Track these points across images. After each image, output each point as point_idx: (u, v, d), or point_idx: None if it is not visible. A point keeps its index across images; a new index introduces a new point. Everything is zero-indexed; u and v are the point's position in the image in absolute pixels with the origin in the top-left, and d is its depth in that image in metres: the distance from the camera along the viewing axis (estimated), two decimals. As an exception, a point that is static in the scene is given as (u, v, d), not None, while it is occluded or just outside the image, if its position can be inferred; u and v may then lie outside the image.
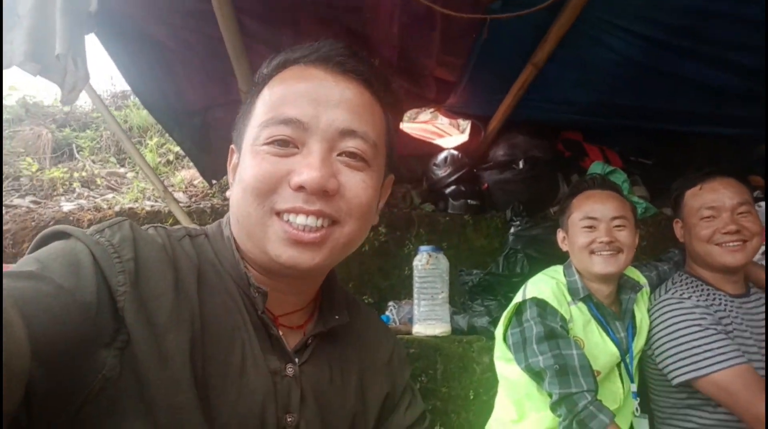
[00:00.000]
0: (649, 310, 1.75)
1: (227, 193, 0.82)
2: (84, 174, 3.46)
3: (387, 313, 2.45)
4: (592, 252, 1.64)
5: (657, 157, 3.33)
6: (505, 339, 1.66)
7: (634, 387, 1.66)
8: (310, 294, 0.85)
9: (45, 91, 4.82)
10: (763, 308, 1.70)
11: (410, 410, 0.93)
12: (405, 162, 3.33)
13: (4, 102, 4.81)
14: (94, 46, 2.45)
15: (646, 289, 1.81)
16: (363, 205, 0.76)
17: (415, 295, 2.21)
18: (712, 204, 1.70)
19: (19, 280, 0.56)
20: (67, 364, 0.55)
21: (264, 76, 0.80)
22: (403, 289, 2.73)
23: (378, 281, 2.80)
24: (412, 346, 2.15)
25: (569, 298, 1.66)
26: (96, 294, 0.60)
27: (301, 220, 0.71)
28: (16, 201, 2.87)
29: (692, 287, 1.72)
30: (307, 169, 0.70)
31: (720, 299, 1.69)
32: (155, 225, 0.76)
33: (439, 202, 3.06)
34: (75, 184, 3.29)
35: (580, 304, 1.66)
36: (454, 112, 3.19)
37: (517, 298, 1.68)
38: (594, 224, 1.65)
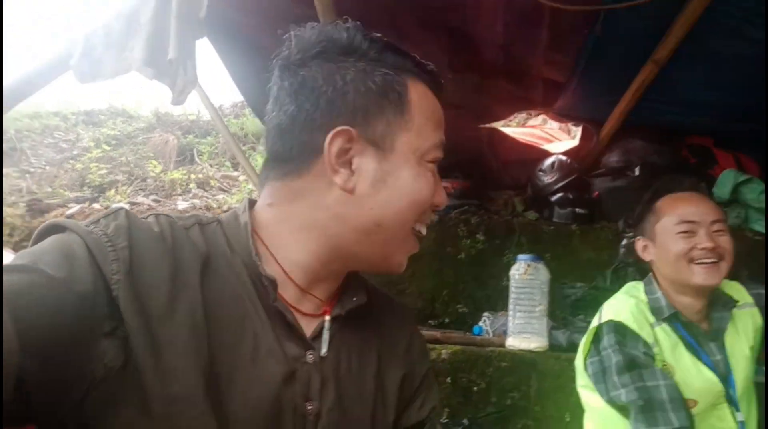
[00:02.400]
0: (762, 333, 1.50)
1: (337, 180, 0.73)
2: (200, 176, 3.73)
3: (480, 323, 2.34)
4: (691, 260, 1.43)
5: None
6: (585, 368, 1.50)
7: (740, 416, 1.42)
8: (339, 280, 0.83)
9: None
10: None
11: (424, 407, 0.91)
12: (508, 168, 3.20)
13: (140, 112, 5.35)
14: (212, 56, 2.63)
15: (752, 309, 1.56)
16: None
17: (511, 307, 2.09)
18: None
19: (10, 274, 0.56)
20: (64, 354, 0.56)
21: (396, 67, 0.75)
22: (499, 300, 2.59)
23: (473, 291, 2.69)
24: (504, 360, 2.03)
25: (652, 319, 1.47)
26: (92, 283, 0.59)
27: (424, 230, 0.80)
28: (140, 199, 3.16)
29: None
30: (443, 192, 0.80)
31: None
32: (158, 213, 0.75)
33: (543, 211, 2.89)
34: (192, 185, 3.55)
35: (665, 325, 1.45)
36: (563, 116, 3.02)
37: (594, 322, 1.52)
38: (693, 228, 1.45)
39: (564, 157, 2.94)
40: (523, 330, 2.05)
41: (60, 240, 0.63)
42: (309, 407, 0.73)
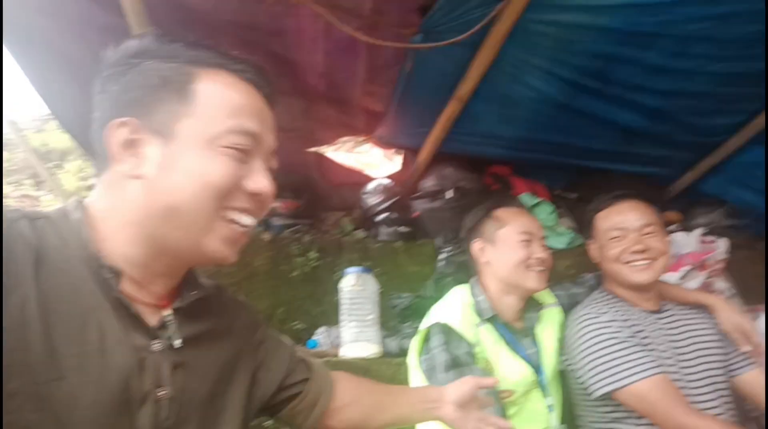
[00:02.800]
0: (566, 328, 1.81)
1: (119, 168, 0.79)
2: (-6, 196, 3.26)
3: (315, 337, 2.41)
4: (528, 266, 1.71)
5: (581, 192, 3.50)
6: (419, 365, 1.67)
7: (549, 400, 1.69)
8: (179, 276, 0.90)
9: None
10: (676, 323, 1.79)
11: (275, 362, 1.06)
12: (338, 190, 3.36)
13: None
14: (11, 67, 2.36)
15: (556, 307, 1.88)
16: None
17: (343, 317, 2.20)
18: (620, 225, 1.81)
19: None
20: None
21: (189, 60, 0.83)
22: (334, 315, 2.66)
23: (309, 307, 2.75)
24: (340, 368, 2.09)
25: (477, 320, 1.68)
26: None
27: (246, 220, 0.82)
28: None
29: (609, 303, 1.80)
30: (262, 178, 0.83)
31: (637, 315, 1.77)
32: None
33: (371, 229, 3.09)
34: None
35: (488, 325, 1.69)
36: (384, 143, 3.25)
37: (425, 324, 1.70)
38: (531, 239, 1.74)
39: (387, 181, 3.18)
40: (356, 339, 2.16)
41: None
42: (160, 393, 0.77)
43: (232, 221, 0.81)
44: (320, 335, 2.42)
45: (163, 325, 0.82)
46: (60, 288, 0.70)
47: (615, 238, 1.81)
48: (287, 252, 2.80)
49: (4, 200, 3.37)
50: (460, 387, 1.20)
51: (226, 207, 0.80)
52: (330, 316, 2.71)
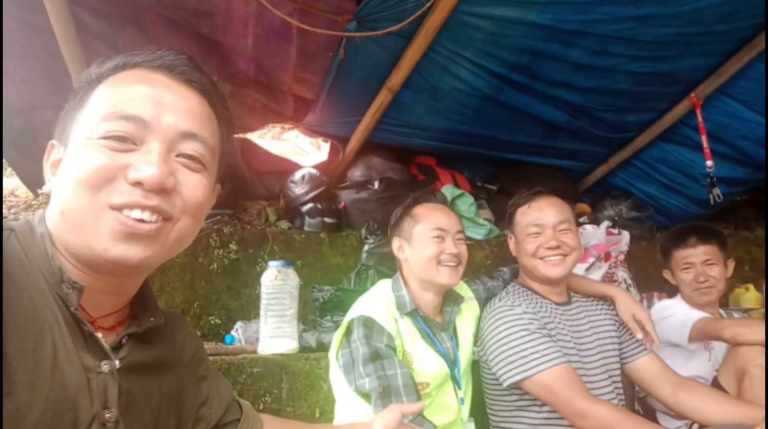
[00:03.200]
0: (481, 319, 1.84)
1: (43, 189, 0.76)
2: None
3: (232, 333, 2.33)
4: (439, 262, 1.70)
5: (502, 183, 3.59)
6: (338, 359, 1.65)
7: (461, 393, 1.72)
8: (129, 295, 0.85)
9: None
10: (580, 315, 1.87)
11: (217, 400, 1.03)
12: (262, 179, 3.26)
13: None
14: None
15: (472, 301, 1.91)
16: (198, 204, 0.80)
17: (262, 312, 2.13)
18: (538, 221, 1.85)
19: None
20: None
21: (99, 74, 0.81)
22: (253, 309, 2.62)
23: (226, 301, 2.67)
24: (256, 365, 2.05)
25: (396, 314, 1.69)
26: None
27: (136, 214, 0.73)
28: None
29: (522, 296, 1.85)
30: (146, 165, 0.73)
31: (546, 307, 1.83)
32: None
33: (295, 220, 3.02)
34: None
35: (407, 318, 1.69)
36: (312, 131, 3.19)
37: (347, 317, 1.69)
38: (443, 235, 1.72)
39: (313, 171, 3.12)
40: (274, 334, 2.10)
41: None
42: (107, 415, 0.74)
43: (120, 213, 0.72)
44: (236, 330, 2.34)
45: (114, 348, 0.79)
46: (18, 302, 0.67)
47: (533, 234, 1.85)
48: (206, 243, 2.69)
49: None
50: (387, 418, 1.16)
51: (108, 202, 0.72)
52: (248, 310, 2.65)
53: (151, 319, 0.86)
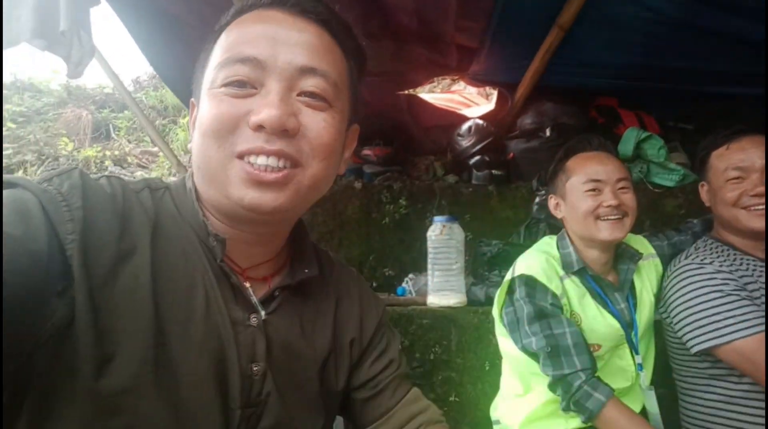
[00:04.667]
0: (664, 278, 1.65)
1: (188, 146, 0.81)
2: (117, 153, 3.59)
3: (403, 284, 2.43)
4: (597, 217, 1.54)
5: (699, 122, 3.12)
6: (501, 318, 1.61)
7: (639, 359, 1.57)
8: (276, 244, 0.85)
9: (88, 75, 4.98)
10: None
11: (376, 364, 0.94)
12: (429, 133, 3.27)
13: (50, 86, 5.02)
14: (118, 25, 2.51)
15: (654, 259, 1.71)
16: (326, 145, 0.75)
17: (429, 266, 2.18)
18: (740, 164, 1.57)
19: None
20: (17, 312, 0.55)
21: (221, 25, 0.79)
22: (424, 262, 2.66)
23: (399, 254, 2.77)
24: (425, 317, 2.12)
25: (561, 273, 1.58)
26: (46, 243, 0.60)
27: (262, 160, 0.70)
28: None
29: (716, 252, 1.61)
30: (266, 107, 0.69)
31: (748, 264, 1.57)
32: (110, 174, 0.76)
33: (462, 174, 2.99)
34: (107, 163, 3.42)
35: (574, 277, 1.58)
36: (478, 80, 3.09)
37: (508, 276, 1.62)
38: (599, 187, 1.55)
39: (480, 121, 3.03)
40: (441, 288, 2.14)
41: (13, 197, 0.62)
42: (255, 368, 0.75)
43: (248, 163, 0.70)
44: (407, 282, 2.43)
45: (267, 300, 0.79)
46: (172, 255, 0.71)
47: (733, 179, 1.58)
48: (378, 199, 2.81)
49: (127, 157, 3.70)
50: None
51: (233, 151, 0.70)
52: (419, 262, 2.71)
53: (306, 270, 0.84)
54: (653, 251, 1.72)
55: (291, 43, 0.73)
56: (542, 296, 1.51)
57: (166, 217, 0.75)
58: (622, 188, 1.56)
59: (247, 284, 0.79)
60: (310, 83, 0.73)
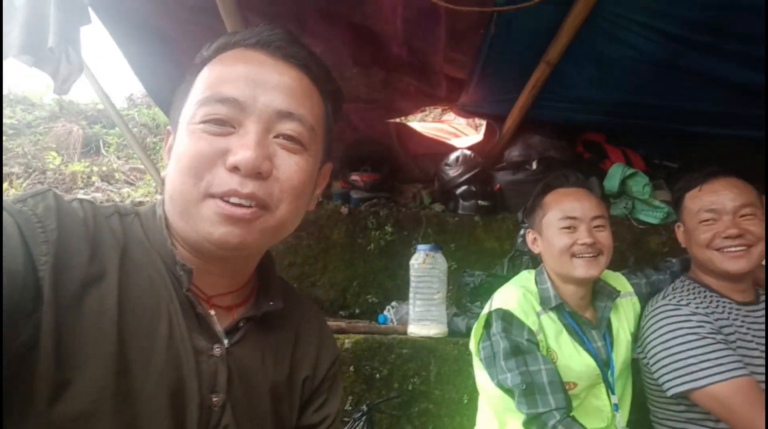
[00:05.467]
0: (642, 318, 1.65)
1: (162, 174, 0.81)
2: (105, 169, 3.58)
3: (385, 312, 2.41)
4: (573, 254, 1.55)
5: (683, 160, 3.18)
6: (478, 352, 1.60)
7: (615, 399, 1.56)
8: (243, 276, 0.85)
9: (80, 91, 4.99)
10: None
11: (320, 411, 0.94)
12: (418, 162, 3.29)
13: (43, 100, 5.03)
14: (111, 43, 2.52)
15: (632, 297, 1.71)
16: (295, 188, 0.77)
17: (411, 295, 2.17)
18: (712, 206, 1.59)
19: None
20: None
21: (203, 58, 0.81)
22: (408, 290, 2.67)
23: (383, 281, 2.76)
24: (405, 346, 2.11)
25: (538, 308, 1.57)
26: (23, 263, 0.60)
27: (234, 201, 0.72)
28: (37, 193, 3.00)
29: (693, 293, 1.61)
30: (242, 149, 0.71)
31: (724, 306, 1.58)
32: (82, 198, 0.76)
33: (449, 203, 3.00)
34: (95, 178, 3.41)
35: (552, 313, 1.57)
36: (467, 112, 3.12)
37: (485, 309, 1.62)
38: (574, 224, 1.56)
39: (468, 152, 3.05)
40: (422, 317, 2.13)
41: None
42: (215, 399, 0.75)
43: (220, 200, 0.71)
44: (388, 310, 2.42)
45: (231, 331, 0.79)
46: (139, 281, 0.71)
47: (706, 220, 1.60)
48: (364, 225, 2.81)
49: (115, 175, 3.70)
50: None
51: (208, 191, 0.71)
52: (403, 290, 2.68)
53: (271, 303, 0.84)
54: (631, 289, 1.73)
55: (271, 86, 0.75)
56: (518, 332, 1.50)
57: (134, 243, 0.75)
58: (598, 227, 1.56)
59: (212, 312, 0.79)
60: (287, 127, 0.76)
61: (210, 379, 0.75)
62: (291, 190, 0.76)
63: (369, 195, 2.95)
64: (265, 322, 0.85)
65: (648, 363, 1.59)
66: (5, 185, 3.43)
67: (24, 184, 3.44)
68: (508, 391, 1.49)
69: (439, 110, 4.30)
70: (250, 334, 0.82)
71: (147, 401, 0.67)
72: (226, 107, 0.73)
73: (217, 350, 0.76)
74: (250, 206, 0.72)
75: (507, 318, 1.53)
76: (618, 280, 1.73)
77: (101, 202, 0.88)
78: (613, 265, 1.80)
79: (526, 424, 1.43)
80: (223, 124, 0.73)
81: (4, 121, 4.53)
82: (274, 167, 0.74)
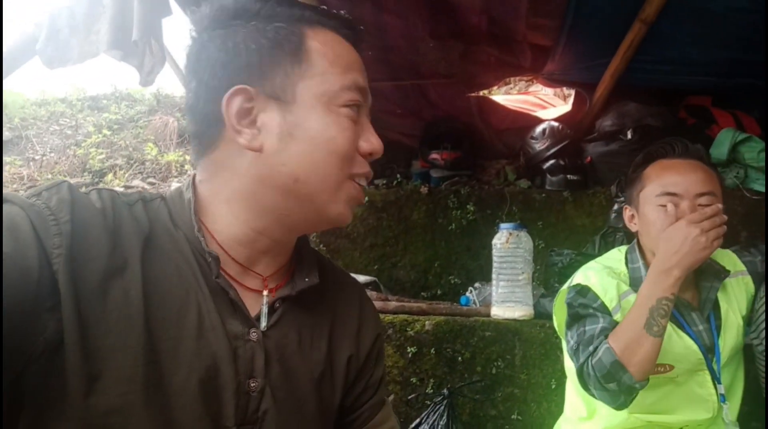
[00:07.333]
0: (756, 299, 1.46)
1: (241, 141, 0.72)
2: (197, 157, 3.75)
3: (467, 294, 2.34)
4: None
5: (805, 121, 2.80)
6: (559, 327, 1.50)
7: (722, 389, 1.39)
8: (288, 253, 0.84)
9: (176, 85, 5.27)
10: None
11: (366, 391, 0.93)
12: (502, 136, 3.15)
13: (144, 95, 5.37)
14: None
15: (744, 277, 1.51)
16: None
17: (494, 276, 2.09)
18: None
19: None
20: (10, 328, 0.56)
21: (292, 19, 0.75)
22: (492, 271, 2.59)
23: (465, 261, 2.69)
24: (488, 329, 2.03)
25: (625, 288, 1.42)
26: (36, 257, 0.59)
27: (364, 182, 0.78)
28: (136, 182, 3.19)
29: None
30: (375, 138, 0.78)
31: None
32: (101, 188, 0.74)
33: (535, 178, 2.85)
34: (187, 167, 3.58)
35: None
36: (554, 81, 2.93)
37: (564, 286, 1.50)
38: (674, 201, 1.38)
39: (555, 124, 2.88)
40: (506, 299, 2.04)
41: (4, 212, 0.62)
42: (252, 384, 0.73)
43: (356, 184, 0.78)
44: (473, 292, 2.34)
45: (265, 313, 0.77)
46: (165, 271, 0.70)
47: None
48: (445, 204, 2.74)
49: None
50: None
51: (351, 172, 0.76)
52: (487, 271, 2.59)
53: (306, 279, 0.81)
54: (743, 268, 1.52)
55: (366, 82, 0.79)
56: (588, 302, 1.40)
57: (160, 230, 0.73)
58: (703, 205, 1.37)
59: (248, 297, 0.77)
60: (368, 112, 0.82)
61: (247, 365, 0.73)
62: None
63: (449, 173, 2.87)
64: (302, 301, 0.81)
65: (765, 350, 1.40)
66: (109, 177, 3.69)
67: (126, 175, 3.68)
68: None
69: (524, 82, 4.10)
70: (287, 314, 0.80)
71: (179, 392, 0.66)
72: (361, 96, 0.77)
73: (254, 334, 0.74)
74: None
75: (583, 292, 1.42)
76: (727, 258, 1.53)
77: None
78: (725, 242, 1.61)
79: (578, 376, 1.33)
80: (357, 111, 0.77)
81: (111, 117, 4.89)
82: None
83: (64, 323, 0.60)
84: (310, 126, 0.71)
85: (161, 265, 0.70)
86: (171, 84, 5.37)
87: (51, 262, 0.61)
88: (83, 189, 0.71)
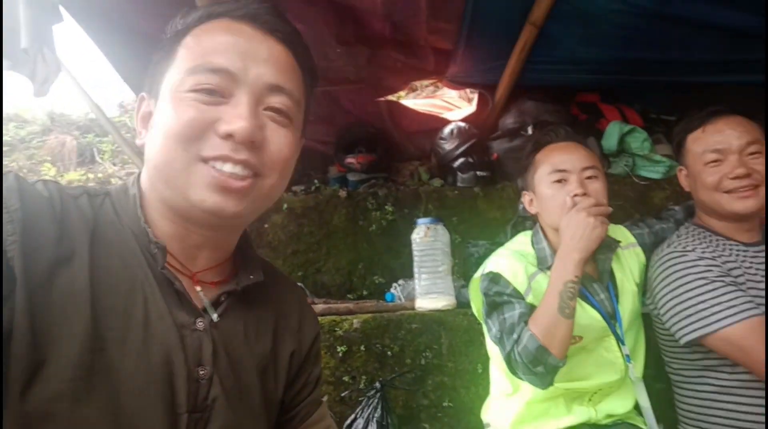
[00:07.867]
0: (648, 268, 1.63)
1: (137, 142, 0.80)
2: (101, 175, 3.58)
3: (392, 290, 2.40)
4: (568, 209, 1.52)
5: (681, 112, 3.11)
6: (479, 313, 1.60)
7: (626, 350, 1.54)
8: (226, 250, 0.86)
9: (70, 102, 4.99)
10: None
11: (305, 388, 0.98)
12: (413, 139, 3.26)
13: (35, 115, 5.01)
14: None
15: (635, 248, 1.68)
16: (285, 160, 0.80)
17: (415, 270, 2.16)
18: (717, 146, 1.55)
19: None
20: None
21: (185, 25, 0.80)
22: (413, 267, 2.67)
23: (388, 261, 2.74)
24: (414, 321, 2.09)
25: (533, 270, 1.56)
26: None
27: (228, 168, 0.73)
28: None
29: (698, 238, 1.58)
30: (237, 118, 0.73)
31: (731, 249, 1.55)
32: (46, 179, 0.75)
33: (447, 177, 2.97)
34: (91, 185, 3.41)
35: (549, 272, 1.55)
36: (457, 83, 3.07)
37: (478, 273, 1.61)
38: (564, 176, 1.54)
39: (462, 124, 3.02)
40: (429, 291, 2.12)
41: None
42: (201, 372, 0.75)
43: (214, 168, 0.73)
44: (397, 288, 2.41)
45: (213, 305, 0.81)
46: (111, 261, 0.71)
47: (712, 162, 1.56)
48: (364, 206, 2.79)
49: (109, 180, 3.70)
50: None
51: (199, 155, 0.73)
52: (409, 269, 2.65)
53: (251, 277, 0.85)
54: (633, 240, 1.70)
55: (261, 59, 0.77)
56: (502, 289, 1.51)
57: (105, 223, 0.74)
58: (590, 177, 1.54)
59: (198, 288, 0.80)
60: (277, 100, 0.78)
61: (195, 353, 0.75)
62: (281, 160, 0.79)
63: (366, 176, 2.92)
64: (246, 297, 0.86)
65: (659, 313, 1.56)
66: None
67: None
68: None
69: (431, 87, 4.26)
70: (233, 308, 0.83)
71: (128, 378, 0.68)
72: (218, 77, 0.74)
73: (200, 324, 0.77)
74: (245, 177, 0.75)
75: (495, 279, 1.53)
76: (620, 232, 1.70)
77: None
78: (618, 223, 1.77)
79: (507, 363, 1.44)
80: (213, 94, 0.74)
81: (-2, 139, 4.52)
82: (264, 138, 0.77)
83: (15, 311, 0.60)
84: (159, 116, 0.76)
85: (107, 257, 0.71)
86: (65, 102, 5.07)
87: (6, 250, 0.61)
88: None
